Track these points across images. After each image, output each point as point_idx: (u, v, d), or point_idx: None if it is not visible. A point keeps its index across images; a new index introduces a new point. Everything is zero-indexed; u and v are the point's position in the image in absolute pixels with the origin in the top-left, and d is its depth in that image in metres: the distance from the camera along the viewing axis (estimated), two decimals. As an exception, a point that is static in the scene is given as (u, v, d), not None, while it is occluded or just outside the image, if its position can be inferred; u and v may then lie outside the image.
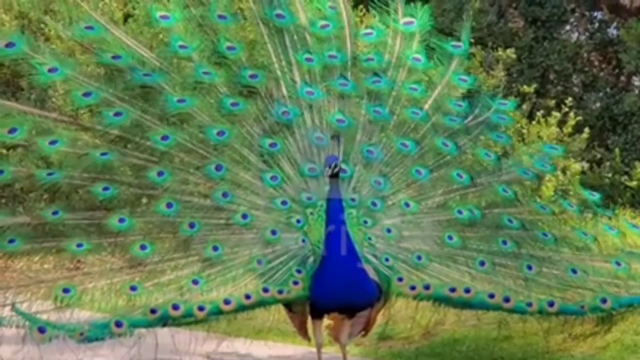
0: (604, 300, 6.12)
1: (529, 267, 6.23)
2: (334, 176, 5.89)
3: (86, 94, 6.22)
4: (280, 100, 6.47)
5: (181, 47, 6.43)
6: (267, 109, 6.44)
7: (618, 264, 6.33)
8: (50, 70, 6.18)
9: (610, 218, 6.75)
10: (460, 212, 6.35)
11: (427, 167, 6.49)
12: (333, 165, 5.85)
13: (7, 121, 6.09)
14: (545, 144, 8.21)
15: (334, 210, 5.91)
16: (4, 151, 6.35)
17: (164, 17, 6.50)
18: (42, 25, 13.07)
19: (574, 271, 6.25)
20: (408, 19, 6.89)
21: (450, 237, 6.28)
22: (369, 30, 6.96)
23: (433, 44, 6.84)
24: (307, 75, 6.57)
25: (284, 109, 6.45)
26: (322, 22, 6.70)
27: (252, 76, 6.47)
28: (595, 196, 6.79)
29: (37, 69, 6.19)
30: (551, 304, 6.09)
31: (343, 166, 6.29)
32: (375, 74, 6.67)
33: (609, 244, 6.43)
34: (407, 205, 6.37)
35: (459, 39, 6.96)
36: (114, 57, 6.30)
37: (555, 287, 6.20)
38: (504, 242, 6.31)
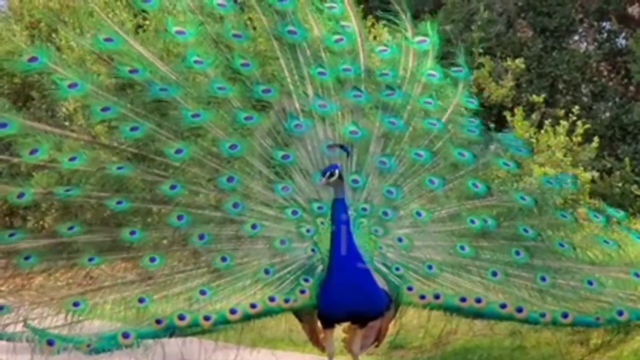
0: (620, 313, 6.08)
1: (543, 279, 6.18)
2: (339, 178, 5.91)
3: (104, 109, 6.26)
4: (292, 114, 6.48)
5: (196, 62, 6.45)
6: (279, 122, 6.46)
7: (637, 275, 6.26)
8: (70, 86, 6.22)
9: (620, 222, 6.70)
10: (472, 221, 6.33)
11: (440, 177, 6.48)
12: (328, 174, 5.88)
13: (28, 141, 6.15)
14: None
15: (337, 210, 5.92)
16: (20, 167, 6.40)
17: (179, 32, 6.51)
18: (53, 36, 13.15)
19: (590, 283, 6.20)
20: (420, 37, 6.95)
21: (462, 247, 6.27)
22: (383, 48, 6.98)
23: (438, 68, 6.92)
24: (320, 88, 6.59)
25: (297, 121, 6.46)
26: (336, 37, 6.73)
27: (264, 91, 6.50)
28: (620, 213, 6.73)
29: (57, 85, 6.22)
30: (565, 315, 6.05)
31: (356, 177, 6.33)
32: (389, 87, 6.69)
33: (630, 254, 6.36)
34: (419, 214, 6.36)
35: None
36: (131, 71, 6.32)
37: (570, 299, 6.16)
38: (517, 253, 6.26)
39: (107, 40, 6.36)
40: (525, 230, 6.35)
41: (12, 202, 6.25)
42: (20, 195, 6.16)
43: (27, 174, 6.46)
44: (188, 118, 6.29)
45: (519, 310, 6.06)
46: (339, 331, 6.33)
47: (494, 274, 6.18)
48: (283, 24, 6.60)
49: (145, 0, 6.74)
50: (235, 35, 6.58)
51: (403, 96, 6.66)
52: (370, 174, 6.45)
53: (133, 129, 6.24)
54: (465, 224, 6.34)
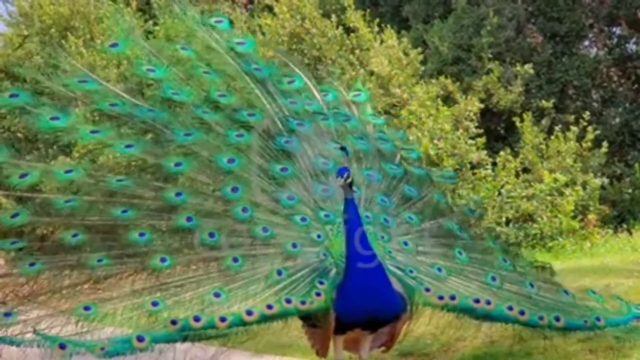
0: (598, 319, 6.27)
1: (531, 285, 6.39)
2: (349, 185, 5.98)
3: (93, 132, 6.37)
4: (280, 133, 6.65)
5: (174, 94, 6.61)
6: (267, 141, 6.61)
7: (593, 292, 6.61)
8: (52, 119, 6.30)
9: None
10: (452, 231, 6.60)
11: (415, 188, 6.79)
12: (346, 175, 5.92)
13: (17, 171, 6.20)
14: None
15: (350, 210, 5.96)
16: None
17: (150, 70, 6.67)
18: (63, 41, 13.24)
19: (566, 292, 6.46)
20: (355, 92, 7.41)
21: (460, 253, 6.42)
22: (324, 93, 7.22)
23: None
24: (295, 113, 6.80)
25: (285, 139, 6.63)
26: (288, 79, 7.00)
27: (250, 115, 6.66)
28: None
29: (39, 116, 6.31)
30: (557, 319, 6.19)
31: (353, 187, 6.44)
32: (345, 116, 7.05)
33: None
34: (410, 218, 6.55)
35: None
36: (112, 105, 6.44)
37: (555, 307, 6.33)
38: (504, 260, 6.52)
39: (82, 81, 6.50)
40: (494, 242, 6.73)
41: (6, 222, 6.17)
42: (14, 216, 6.15)
43: (20, 199, 6.49)
44: (181, 137, 6.42)
45: (522, 313, 6.15)
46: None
47: (493, 278, 6.32)
48: (247, 64, 6.82)
49: (112, 45, 7.04)
50: (205, 72, 6.78)
51: (359, 125, 7.03)
52: (362, 185, 6.59)
53: (128, 146, 6.35)
54: (450, 234, 6.57)
